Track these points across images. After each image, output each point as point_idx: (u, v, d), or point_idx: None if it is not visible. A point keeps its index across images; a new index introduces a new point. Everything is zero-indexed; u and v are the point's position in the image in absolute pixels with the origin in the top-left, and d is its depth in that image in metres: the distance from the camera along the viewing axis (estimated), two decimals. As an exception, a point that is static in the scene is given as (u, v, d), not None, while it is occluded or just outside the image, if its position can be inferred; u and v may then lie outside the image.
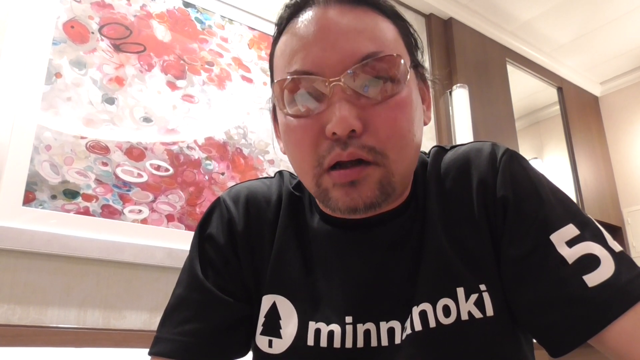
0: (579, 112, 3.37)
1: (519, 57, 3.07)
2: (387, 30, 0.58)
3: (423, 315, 0.57)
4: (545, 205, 0.57)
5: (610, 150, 3.47)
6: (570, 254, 0.53)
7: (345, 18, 0.56)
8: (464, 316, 0.56)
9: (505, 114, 2.80)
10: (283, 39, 0.59)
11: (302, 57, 0.55)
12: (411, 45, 0.62)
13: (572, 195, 3.13)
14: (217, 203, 0.70)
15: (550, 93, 3.33)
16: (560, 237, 0.55)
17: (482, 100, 2.67)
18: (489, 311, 0.56)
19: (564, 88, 3.32)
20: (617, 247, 0.54)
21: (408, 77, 0.57)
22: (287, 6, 0.61)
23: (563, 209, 0.58)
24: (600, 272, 0.52)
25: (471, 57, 2.75)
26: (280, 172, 0.74)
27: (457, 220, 0.61)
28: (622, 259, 0.53)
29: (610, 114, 3.53)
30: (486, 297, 0.57)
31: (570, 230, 0.55)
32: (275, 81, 0.58)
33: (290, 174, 0.74)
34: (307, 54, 0.55)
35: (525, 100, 3.34)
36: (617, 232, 3.28)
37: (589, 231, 0.55)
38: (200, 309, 0.62)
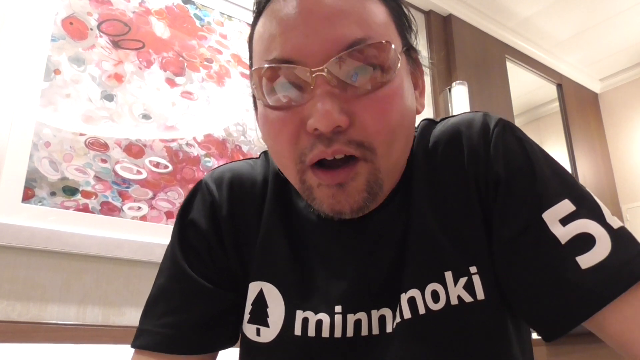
0: (579, 108, 3.37)
1: (518, 53, 3.07)
2: (377, 12, 0.52)
3: (412, 301, 0.54)
4: (539, 181, 0.53)
5: (609, 147, 3.47)
6: (564, 233, 0.50)
7: None
8: (454, 301, 0.53)
9: (504, 110, 2.79)
10: (262, 21, 0.54)
11: (281, 42, 0.50)
12: (403, 27, 0.57)
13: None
14: (199, 186, 0.66)
15: (549, 90, 3.33)
16: (554, 214, 0.51)
17: (481, 97, 2.67)
18: (480, 294, 0.53)
19: (563, 85, 3.32)
20: (616, 223, 0.50)
21: (399, 65, 0.52)
22: None
23: (559, 183, 0.54)
24: (595, 252, 0.48)
25: (471, 54, 2.74)
26: (265, 152, 0.69)
27: (446, 198, 0.57)
28: (620, 236, 0.49)
29: (610, 110, 3.53)
30: (476, 280, 0.54)
31: (565, 207, 0.51)
32: (253, 69, 0.54)
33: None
34: (287, 39, 0.50)
35: (524, 97, 3.34)
36: (616, 228, 3.29)
37: (585, 207, 0.51)
38: (183, 299, 0.60)
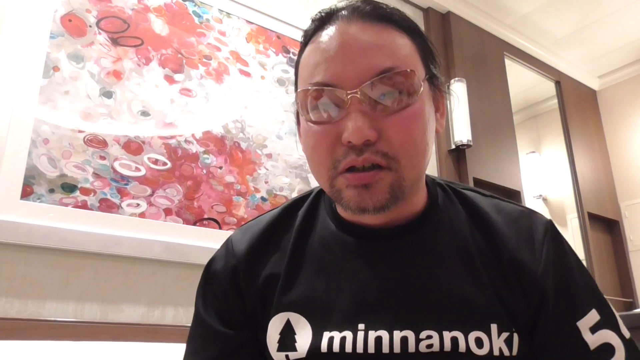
0: (577, 105, 3.37)
1: (517, 50, 3.07)
2: (404, 46, 0.62)
3: (454, 340, 0.60)
4: (577, 294, 0.63)
5: (608, 144, 3.47)
6: (593, 341, 0.60)
7: (365, 34, 0.60)
8: (496, 351, 0.60)
9: (503, 107, 2.80)
10: (308, 51, 0.65)
11: (324, 69, 0.60)
12: (427, 58, 0.66)
13: (570, 190, 3.14)
14: (227, 241, 0.75)
15: (548, 87, 3.33)
16: (585, 324, 0.61)
17: (480, 94, 2.67)
18: (515, 351, 0.61)
19: (561, 82, 3.32)
20: (627, 334, 0.62)
21: (421, 90, 0.61)
22: (313, 20, 0.66)
23: (588, 293, 0.64)
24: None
25: (469, 51, 2.74)
26: (287, 205, 0.77)
27: (492, 269, 0.65)
28: (631, 346, 0.61)
29: (608, 107, 3.53)
30: (515, 338, 0.61)
31: (593, 316, 0.62)
32: (299, 90, 0.63)
33: (300, 198, 0.77)
34: (328, 67, 0.60)
35: (523, 94, 3.34)
36: (615, 225, 3.29)
37: (607, 316, 0.62)
38: (203, 341, 0.69)
